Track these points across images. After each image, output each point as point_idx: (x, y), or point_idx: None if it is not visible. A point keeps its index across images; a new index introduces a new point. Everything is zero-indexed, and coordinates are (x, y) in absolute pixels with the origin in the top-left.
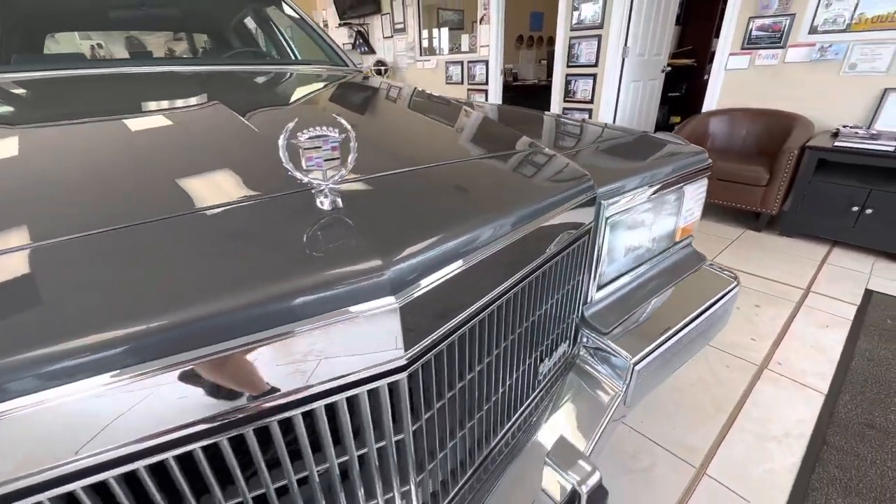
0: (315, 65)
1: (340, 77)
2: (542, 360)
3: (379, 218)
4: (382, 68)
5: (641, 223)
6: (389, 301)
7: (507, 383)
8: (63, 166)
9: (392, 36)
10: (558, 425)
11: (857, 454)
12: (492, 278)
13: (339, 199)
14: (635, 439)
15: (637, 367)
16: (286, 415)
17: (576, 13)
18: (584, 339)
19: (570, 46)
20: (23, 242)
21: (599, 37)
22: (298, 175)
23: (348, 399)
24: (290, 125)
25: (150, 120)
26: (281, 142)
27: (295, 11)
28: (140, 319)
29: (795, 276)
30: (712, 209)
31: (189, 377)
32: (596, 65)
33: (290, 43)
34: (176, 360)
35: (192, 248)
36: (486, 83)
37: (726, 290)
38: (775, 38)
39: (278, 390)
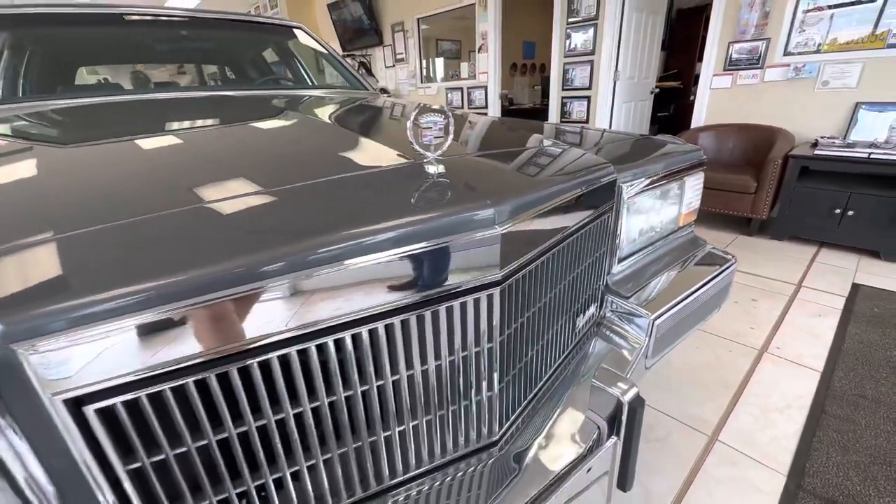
0: (341, 88)
1: (366, 96)
2: (578, 315)
3: (473, 180)
4: (385, 95)
5: (651, 208)
6: (495, 230)
7: (555, 327)
8: (252, 152)
9: (394, 65)
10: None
11: (852, 420)
12: (550, 229)
13: (441, 167)
14: (652, 413)
15: (657, 322)
16: (431, 309)
17: (569, 41)
18: (610, 305)
19: (565, 71)
20: (253, 189)
21: (592, 62)
22: (417, 147)
23: (461, 305)
24: (414, 111)
25: (271, 124)
26: (409, 123)
27: (323, 46)
28: (355, 234)
29: (787, 273)
30: (707, 216)
31: (385, 268)
32: (589, 88)
33: (307, 70)
34: (376, 259)
35: (357, 196)
36: (486, 107)
37: (727, 265)
38: (754, 60)
39: (423, 287)
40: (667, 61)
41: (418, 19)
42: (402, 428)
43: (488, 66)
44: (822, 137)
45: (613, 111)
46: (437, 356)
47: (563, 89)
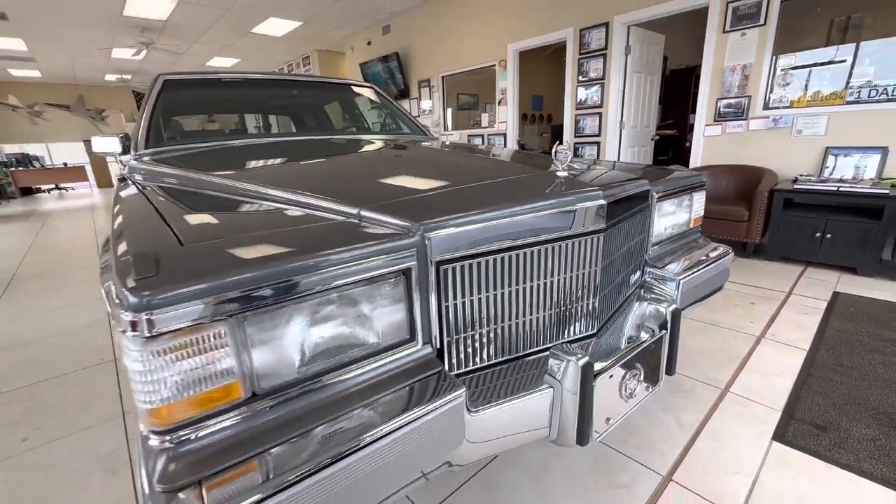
0: (408, 134)
1: (431, 138)
2: (633, 273)
3: (585, 179)
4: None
5: (671, 212)
6: (602, 202)
7: (623, 273)
8: (453, 165)
9: (419, 115)
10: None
11: (831, 379)
12: (621, 208)
13: (566, 173)
14: (677, 376)
15: (682, 282)
16: (572, 241)
17: (579, 96)
18: (648, 275)
19: (577, 121)
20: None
21: (600, 114)
22: (557, 163)
23: (584, 241)
24: (557, 145)
25: (437, 152)
26: (554, 150)
27: (392, 102)
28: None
29: (780, 284)
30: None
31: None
32: (599, 135)
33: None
34: (545, 212)
35: (535, 185)
36: None
37: (728, 252)
38: (739, 113)
39: (567, 230)
40: (664, 112)
41: (443, 77)
42: (558, 310)
43: (507, 117)
44: (800, 175)
45: (620, 154)
46: (574, 269)
47: (576, 136)
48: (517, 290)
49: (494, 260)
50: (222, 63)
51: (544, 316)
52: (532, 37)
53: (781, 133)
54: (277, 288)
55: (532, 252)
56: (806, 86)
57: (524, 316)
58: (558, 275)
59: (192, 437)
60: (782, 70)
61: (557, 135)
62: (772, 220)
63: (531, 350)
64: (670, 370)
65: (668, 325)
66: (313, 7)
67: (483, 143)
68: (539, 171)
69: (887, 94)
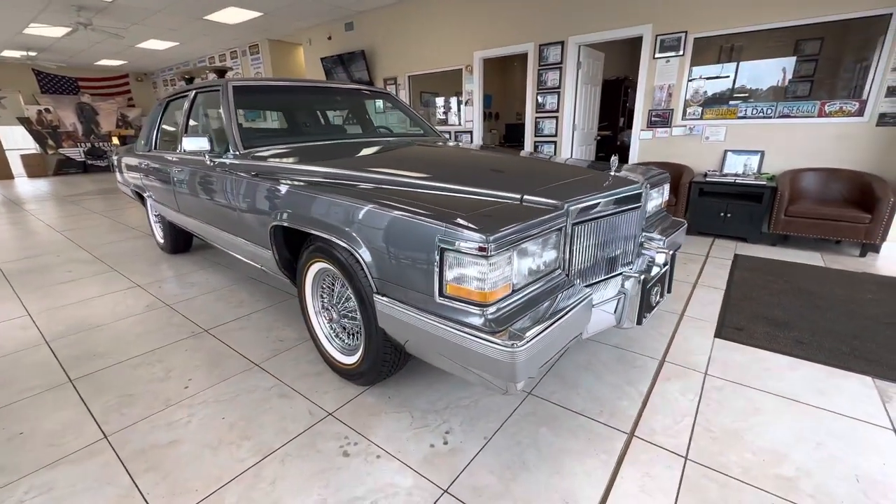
0: (426, 135)
1: (444, 138)
2: (639, 236)
3: (631, 176)
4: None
5: (652, 197)
6: (643, 189)
7: (638, 234)
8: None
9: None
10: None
11: (741, 305)
12: (650, 192)
13: (614, 172)
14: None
15: (665, 239)
16: (623, 210)
17: (540, 102)
18: (643, 237)
19: (536, 123)
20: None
21: (557, 117)
22: (612, 165)
23: (631, 212)
24: (613, 157)
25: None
26: (612, 161)
27: (409, 107)
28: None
29: (700, 250)
30: None
31: None
32: (556, 135)
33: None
34: (606, 200)
35: (593, 181)
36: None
37: (683, 223)
38: (665, 121)
39: (620, 206)
40: (600, 116)
41: (409, 76)
42: (617, 251)
43: (473, 116)
44: (709, 171)
45: (573, 153)
46: (626, 229)
47: (535, 136)
48: (604, 240)
49: (598, 222)
50: (157, 46)
51: (612, 254)
52: (497, 46)
53: (695, 138)
54: (523, 236)
55: (611, 219)
56: (705, 101)
57: (605, 253)
58: (620, 231)
59: (496, 308)
60: (693, 91)
61: (513, 133)
62: (690, 204)
63: (609, 275)
64: (670, 289)
65: (670, 261)
66: None
67: (451, 139)
68: (599, 171)
69: (763, 112)
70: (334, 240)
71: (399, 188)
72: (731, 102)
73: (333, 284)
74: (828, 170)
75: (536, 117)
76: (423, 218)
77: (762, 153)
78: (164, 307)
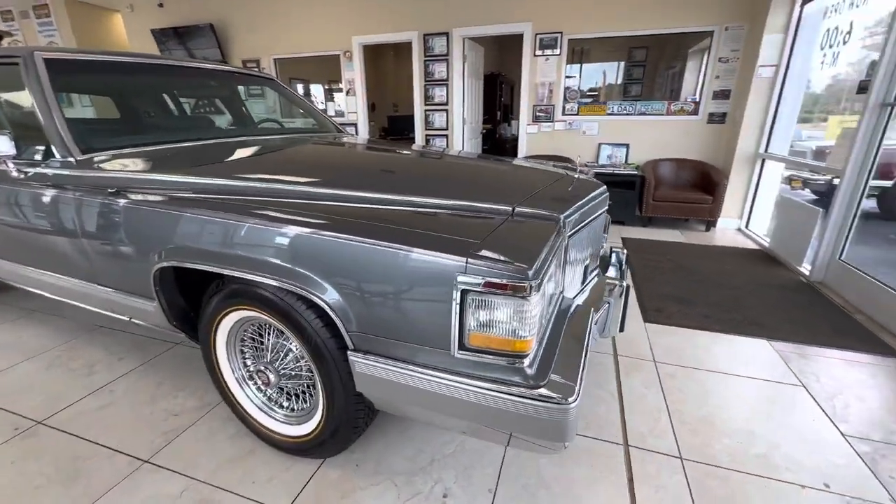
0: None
1: (348, 133)
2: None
3: (596, 179)
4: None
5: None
6: (606, 193)
7: (601, 239)
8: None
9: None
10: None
11: (648, 287)
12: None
13: (578, 175)
14: None
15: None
16: (588, 222)
17: (429, 95)
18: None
19: (426, 116)
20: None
21: (447, 110)
22: (578, 167)
23: (597, 221)
24: (578, 158)
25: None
26: (577, 160)
27: (296, 95)
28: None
29: None
30: None
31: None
32: (447, 129)
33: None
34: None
35: (561, 185)
36: None
37: (608, 216)
38: (548, 117)
39: (586, 215)
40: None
41: (275, 59)
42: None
43: (357, 107)
44: (588, 162)
45: (464, 145)
46: (598, 230)
47: (426, 129)
48: (587, 248)
49: (585, 230)
50: None
51: (587, 262)
52: (379, 33)
53: (575, 132)
54: (551, 260)
55: (592, 224)
56: (579, 97)
57: (584, 262)
58: (594, 236)
59: (532, 356)
60: (566, 88)
61: (396, 125)
62: None
63: (584, 284)
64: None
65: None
66: None
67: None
68: (565, 174)
69: (626, 110)
70: (272, 283)
71: (356, 206)
72: (601, 101)
73: (262, 334)
74: (678, 160)
75: (426, 110)
76: (429, 251)
77: (628, 146)
78: None
